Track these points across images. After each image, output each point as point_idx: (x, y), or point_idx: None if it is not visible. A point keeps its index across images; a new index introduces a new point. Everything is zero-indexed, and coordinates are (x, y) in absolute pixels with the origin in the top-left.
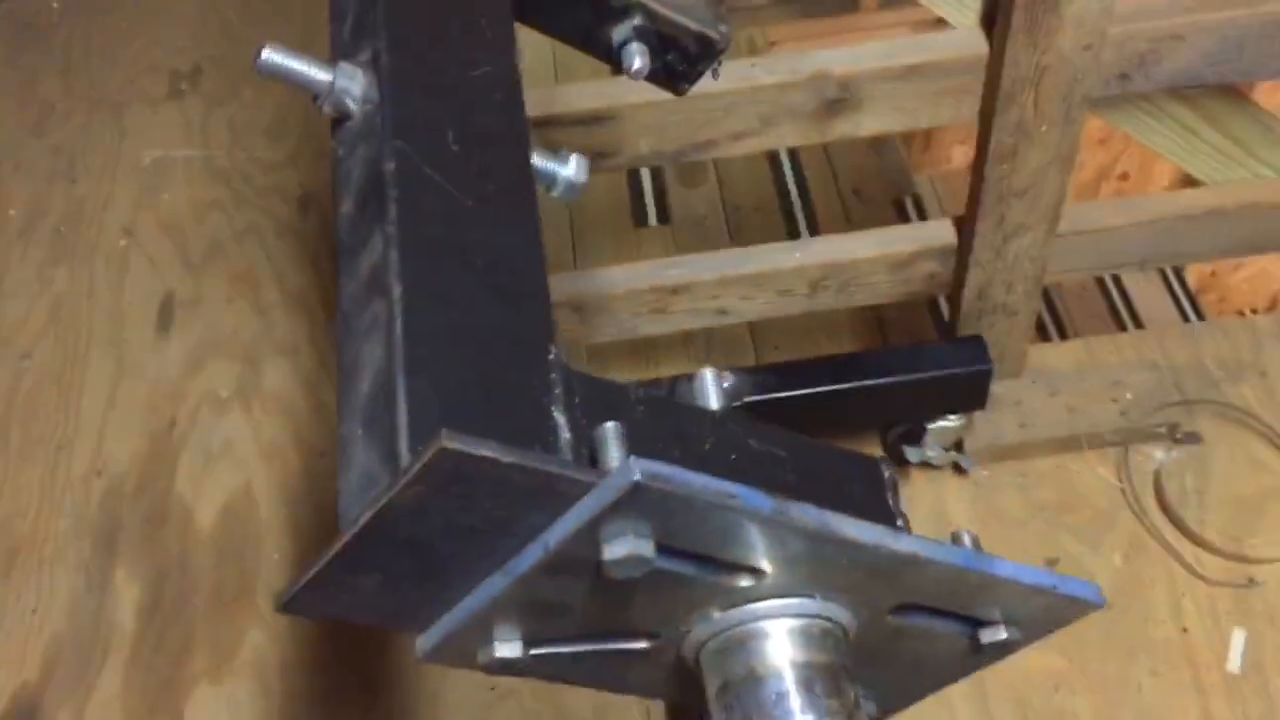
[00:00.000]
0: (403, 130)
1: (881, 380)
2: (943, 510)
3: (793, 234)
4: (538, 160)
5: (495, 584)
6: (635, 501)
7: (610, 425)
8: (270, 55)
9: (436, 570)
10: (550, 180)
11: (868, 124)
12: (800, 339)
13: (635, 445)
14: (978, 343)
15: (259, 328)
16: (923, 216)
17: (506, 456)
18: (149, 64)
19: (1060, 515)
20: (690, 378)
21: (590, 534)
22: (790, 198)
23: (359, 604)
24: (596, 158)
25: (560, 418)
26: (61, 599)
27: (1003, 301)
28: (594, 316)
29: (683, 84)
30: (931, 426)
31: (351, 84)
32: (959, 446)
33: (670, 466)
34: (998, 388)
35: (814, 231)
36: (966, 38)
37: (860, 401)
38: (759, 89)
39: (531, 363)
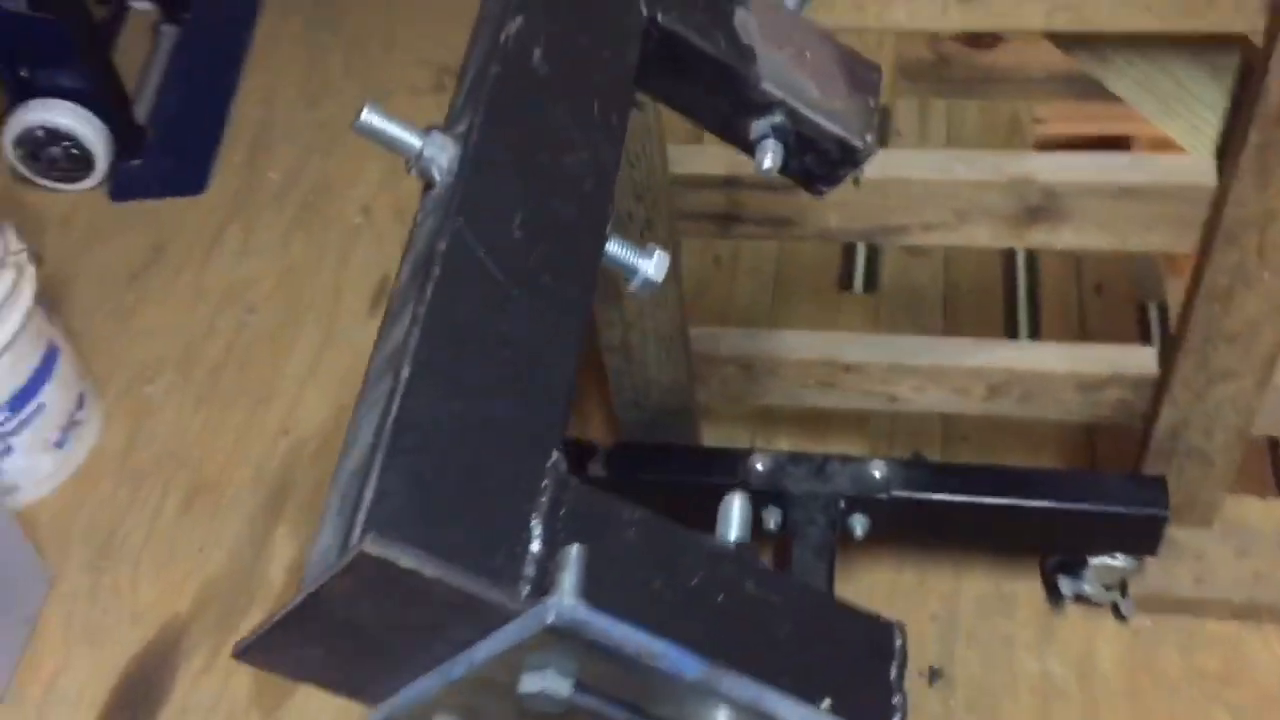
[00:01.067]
0: (466, 209)
1: (1043, 503)
2: (1091, 654)
3: (1012, 324)
4: (619, 250)
5: (428, 683)
6: (557, 640)
7: (575, 548)
8: (368, 117)
9: (376, 654)
10: (630, 272)
11: (1068, 238)
12: (993, 435)
13: (609, 570)
14: (1159, 485)
15: None
16: (1166, 328)
17: (429, 570)
18: (420, 55)
19: (1221, 688)
20: (769, 482)
21: (510, 661)
22: (1018, 284)
23: (308, 670)
24: (780, 224)
25: (537, 527)
26: (226, 544)
27: (1198, 447)
28: (762, 378)
29: (820, 186)
30: (1094, 561)
31: (440, 154)
32: (1123, 588)
33: (596, 613)
34: (1180, 534)
35: (1036, 325)
36: (1193, 166)
37: (1016, 521)
38: (956, 184)
39: (526, 465)
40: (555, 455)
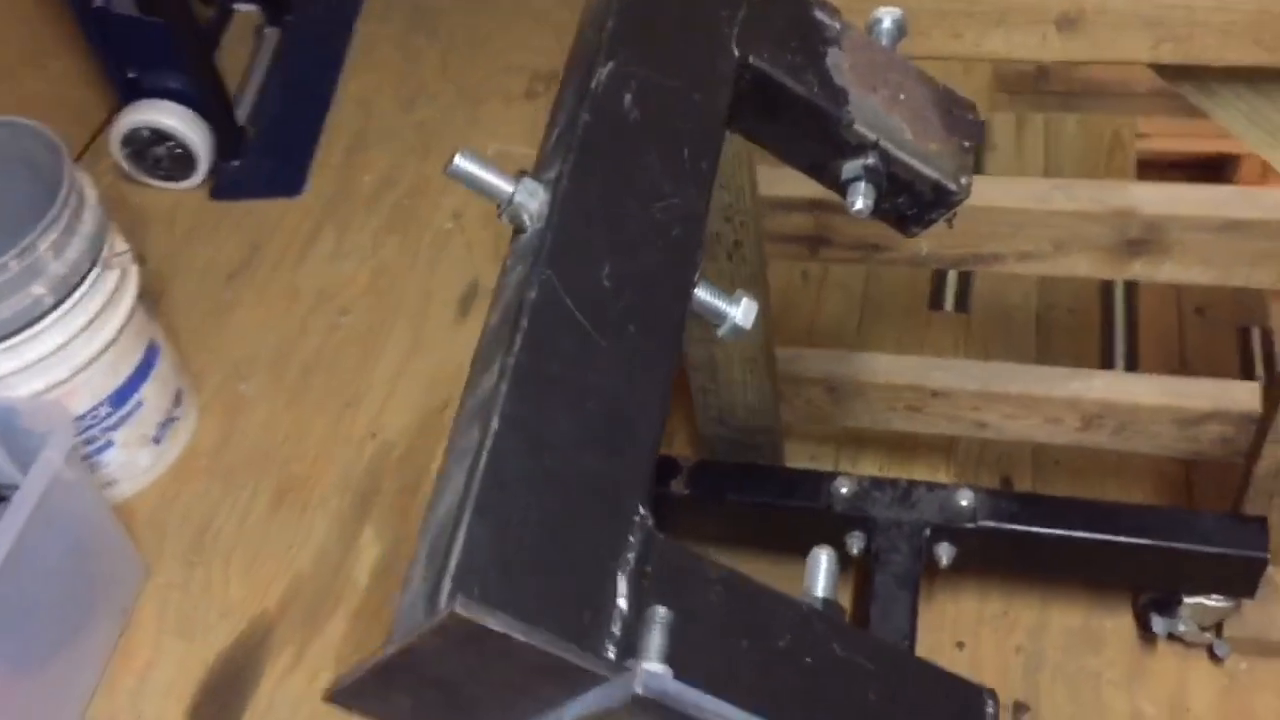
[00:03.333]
0: (555, 259)
1: (1135, 540)
2: (1182, 695)
3: (1108, 346)
4: (708, 296)
5: None
6: (639, 709)
7: (660, 611)
8: (460, 162)
9: (464, 709)
10: (719, 318)
11: (1169, 271)
12: (1086, 463)
13: (696, 631)
14: (1259, 526)
15: None
16: (1269, 354)
17: (518, 634)
18: (513, 63)
19: None
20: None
21: None
22: (1115, 305)
23: (397, 715)
24: (869, 249)
25: (622, 585)
26: (314, 543)
27: None
28: (847, 400)
29: (912, 227)
30: (1189, 600)
31: (530, 200)
32: (1219, 629)
33: (683, 686)
34: None
35: (1133, 347)
36: None
37: (1107, 557)
38: (1055, 214)
39: (612, 521)
40: (642, 511)
